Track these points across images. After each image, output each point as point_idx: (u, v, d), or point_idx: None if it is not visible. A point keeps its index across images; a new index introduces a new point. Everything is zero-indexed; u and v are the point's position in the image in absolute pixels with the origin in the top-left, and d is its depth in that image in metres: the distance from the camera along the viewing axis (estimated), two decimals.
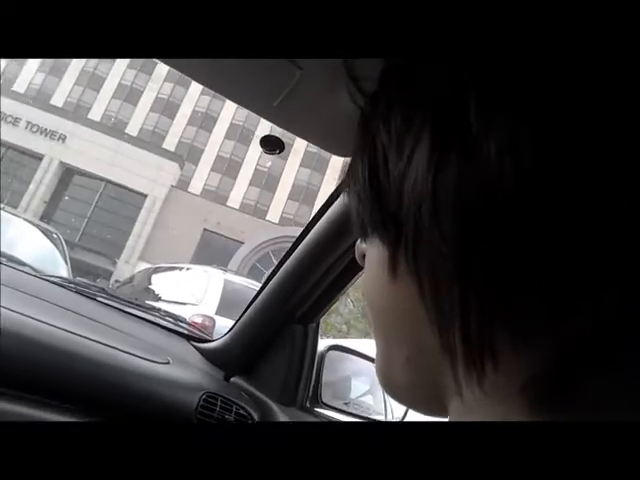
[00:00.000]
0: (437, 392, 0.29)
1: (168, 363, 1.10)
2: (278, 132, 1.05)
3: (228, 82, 0.75)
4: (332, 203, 1.05)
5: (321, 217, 1.08)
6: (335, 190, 1.07)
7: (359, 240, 0.35)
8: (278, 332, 1.17)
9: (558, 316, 0.24)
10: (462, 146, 0.25)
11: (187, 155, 24.38)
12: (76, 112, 23.03)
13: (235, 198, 25.26)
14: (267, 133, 0.99)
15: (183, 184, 23.41)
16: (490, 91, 0.25)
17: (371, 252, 0.31)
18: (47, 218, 17.51)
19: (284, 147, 0.99)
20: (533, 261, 0.23)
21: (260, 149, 1.00)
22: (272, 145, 0.96)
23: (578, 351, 0.24)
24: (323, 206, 1.08)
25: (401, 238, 0.27)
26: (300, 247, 1.11)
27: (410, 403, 0.32)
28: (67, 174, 20.47)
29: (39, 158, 19.65)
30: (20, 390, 0.91)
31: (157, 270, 6.35)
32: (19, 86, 24.24)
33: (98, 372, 0.97)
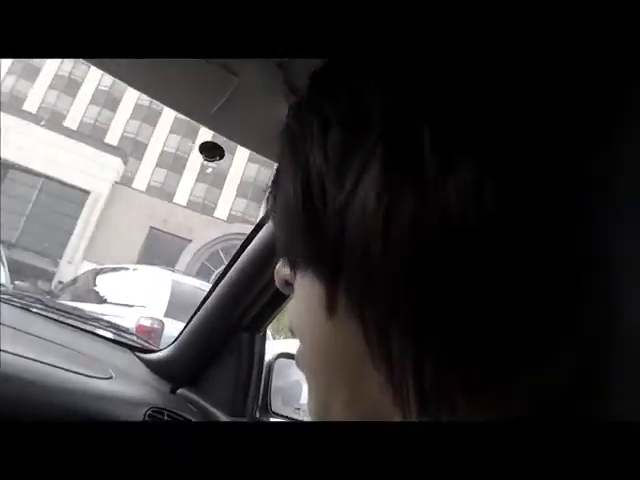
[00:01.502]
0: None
1: (111, 378, 1.06)
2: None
3: (164, 88, 0.73)
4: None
5: (264, 224, 1.07)
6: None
7: (279, 264, 0.31)
8: (225, 341, 1.15)
9: (516, 366, 0.22)
10: (417, 183, 0.22)
11: (131, 150, 23.66)
12: (10, 103, 21.92)
13: (182, 195, 24.73)
14: (207, 140, 0.97)
15: (127, 180, 22.70)
16: (445, 127, 0.23)
17: (303, 285, 0.28)
18: None
19: (224, 154, 0.97)
20: (494, 307, 0.22)
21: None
22: (212, 152, 0.94)
23: (546, 399, 0.23)
24: (266, 213, 1.07)
25: (341, 274, 0.25)
26: (243, 256, 1.10)
27: None
28: (1, 169, 19.47)
29: None
30: None
31: (102, 271, 6.16)
32: None
33: (35, 393, 0.93)
